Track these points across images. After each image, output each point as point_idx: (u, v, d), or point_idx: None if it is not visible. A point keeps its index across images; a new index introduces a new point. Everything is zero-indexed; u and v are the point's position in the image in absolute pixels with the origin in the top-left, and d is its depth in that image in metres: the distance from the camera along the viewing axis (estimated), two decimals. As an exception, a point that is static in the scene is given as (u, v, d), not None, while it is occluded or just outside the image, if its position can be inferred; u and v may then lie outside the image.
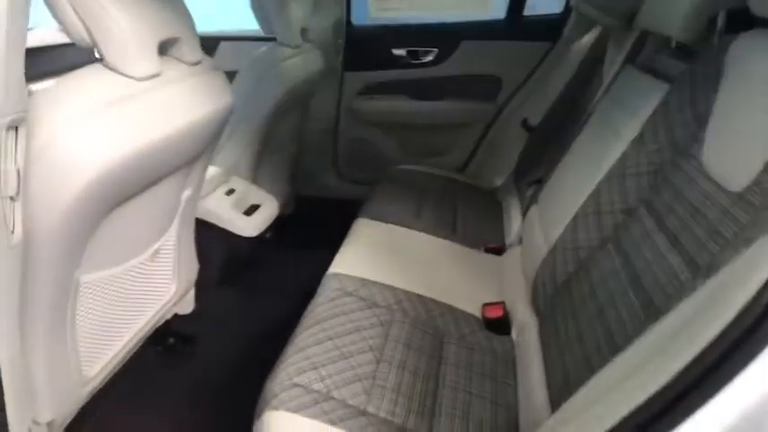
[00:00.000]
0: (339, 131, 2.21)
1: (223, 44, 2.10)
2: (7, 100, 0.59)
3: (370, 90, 2.11)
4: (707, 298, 0.50)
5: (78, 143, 0.70)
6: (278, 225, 1.73)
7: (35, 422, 0.90)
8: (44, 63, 1.49)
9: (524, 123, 1.96)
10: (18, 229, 0.67)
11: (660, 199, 0.85)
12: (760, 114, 0.69)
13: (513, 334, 1.13)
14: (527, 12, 2.00)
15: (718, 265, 0.61)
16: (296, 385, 0.87)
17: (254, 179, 1.71)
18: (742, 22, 0.85)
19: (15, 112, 0.60)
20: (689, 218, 0.73)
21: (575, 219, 1.06)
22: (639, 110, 1.05)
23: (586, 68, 1.68)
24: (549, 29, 1.98)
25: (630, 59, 1.35)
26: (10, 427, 0.79)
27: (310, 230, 1.90)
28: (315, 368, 0.91)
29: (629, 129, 1.04)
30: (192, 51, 0.92)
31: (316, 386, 0.88)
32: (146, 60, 0.80)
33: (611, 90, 1.31)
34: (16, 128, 0.62)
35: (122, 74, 0.78)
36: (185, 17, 0.90)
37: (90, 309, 0.96)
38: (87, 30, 0.76)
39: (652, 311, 0.70)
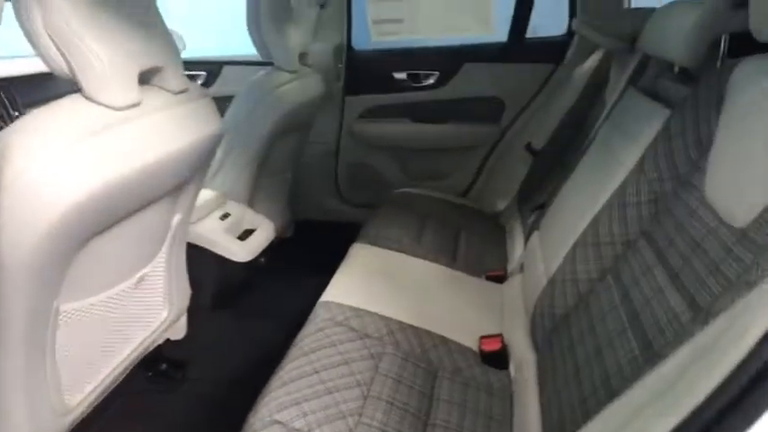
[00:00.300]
0: (340, 155, 2.20)
1: (227, 68, 2.12)
2: None
3: (372, 113, 2.10)
4: (704, 347, 0.46)
5: (49, 174, 0.68)
6: (276, 249, 1.70)
7: None
8: (48, 89, 1.51)
9: (528, 147, 1.92)
10: None
11: (661, 230, 0.81)
12: (762, 143, 0.65)
13: (511, 369, 1.08)
14: (529, 34, 1.99)
15: (718, 308, 0.57)
16: (276, 422, 0.83)
17: (251, 203, 1.70)
18: (745, 46, 0.82)
19: None
20: (690, 252, 0.69)
21: (574, 249, 1.01)
22: (640, 135, 1.01)
23: (590, 92, 1.65)
24: (552, 52, 1.97)
25: (633, 82, 1.32)
26: None
27: (310, 254, 1.87)
28: (297, 404, 0.86)
29: (631, 155, 1.00)
30: (176, 80, 0.91)
31: (297, 424, 0.83)
32: (125, 90, 0.79)
33: (612, 115, 1.28)
34: None
35: (100, 104, 0.77)
36: (168, 46, 0.90)
37: (71, 337, 0.93)
38: (66, 60, 0.75)
39: (650, 355, 0.65)
